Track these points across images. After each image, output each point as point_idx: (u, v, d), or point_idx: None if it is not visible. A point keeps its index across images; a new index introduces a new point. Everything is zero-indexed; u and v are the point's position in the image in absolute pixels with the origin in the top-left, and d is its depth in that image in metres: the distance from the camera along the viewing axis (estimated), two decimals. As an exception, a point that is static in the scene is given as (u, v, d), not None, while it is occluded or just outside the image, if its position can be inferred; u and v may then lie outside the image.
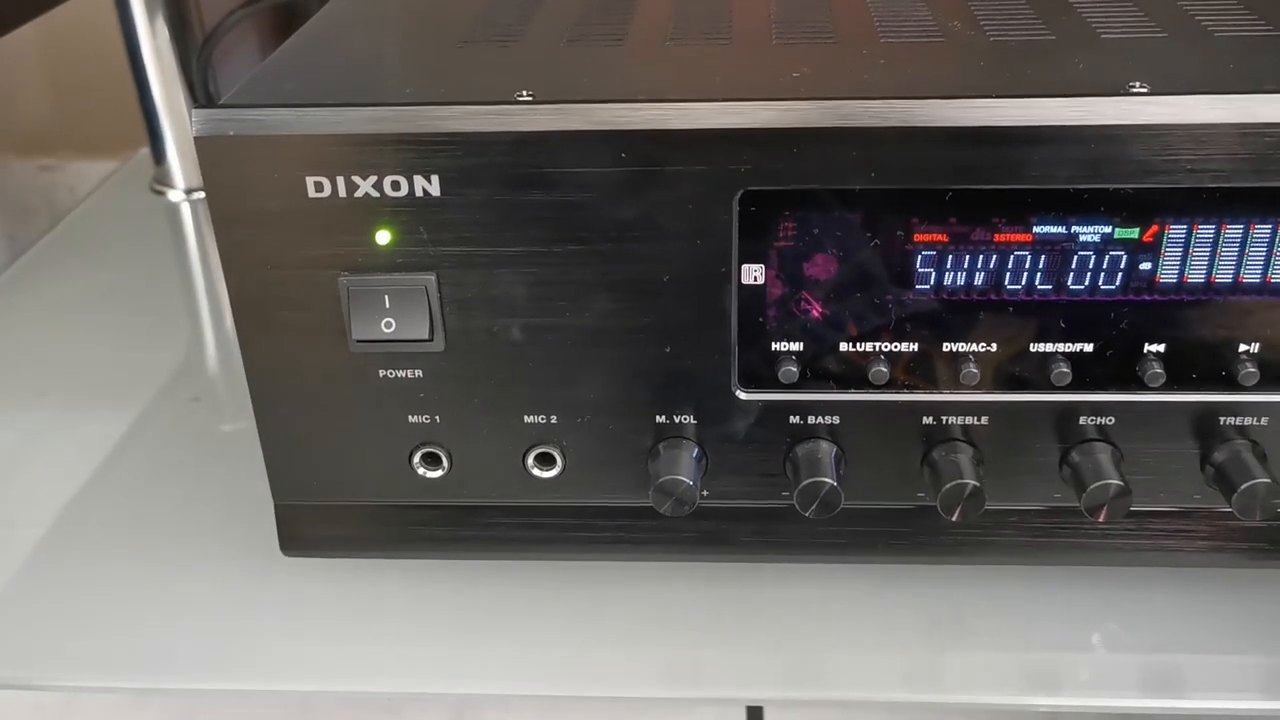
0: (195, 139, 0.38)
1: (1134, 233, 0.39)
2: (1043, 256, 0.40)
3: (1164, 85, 0.37)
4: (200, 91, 0.82)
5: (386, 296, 0.41)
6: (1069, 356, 0.41)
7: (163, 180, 0.87)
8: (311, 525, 0.46)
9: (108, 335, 0.69)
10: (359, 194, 0.39)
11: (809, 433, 0.43)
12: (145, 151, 0.88)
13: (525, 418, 0.43)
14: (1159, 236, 0.39)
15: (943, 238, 0.40)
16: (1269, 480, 0.41)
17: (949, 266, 0.40)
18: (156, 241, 0.81)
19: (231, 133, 0.38)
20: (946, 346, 0.42)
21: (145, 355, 0.67)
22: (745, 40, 0.46)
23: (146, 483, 0.56)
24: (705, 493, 0.44)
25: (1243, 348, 0.41)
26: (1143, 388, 0.41)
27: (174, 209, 0.85)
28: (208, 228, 0.83)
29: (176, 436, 0.59)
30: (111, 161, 0.97)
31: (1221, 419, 0.42)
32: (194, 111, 0.39)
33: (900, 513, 0.45)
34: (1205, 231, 0.39)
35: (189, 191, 0.86)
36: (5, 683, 0.46)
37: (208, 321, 0.72)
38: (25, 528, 0.53)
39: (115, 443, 0.59)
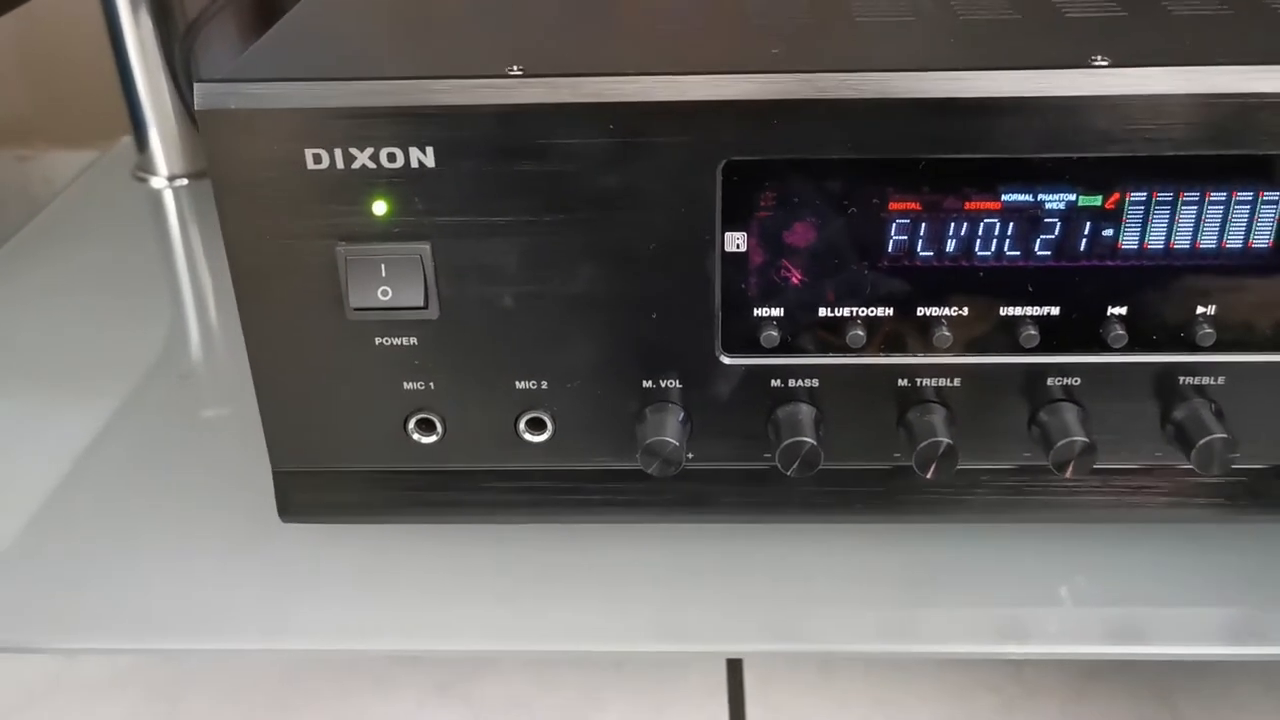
0: (197, 111, 0.40)
1: (1097, 200, 0.41)
2: (1011, 224, 0.42)
3: (1124, 59, 0.39)
4: (183, 79, 0.82)
5: (383, 265, 0.42)
6: (1036, 320, 0.43)
7: (145, 167, 0.87)
8: (308, 491, 0.47)
9: (92, 321, 0.70)
10: (356, 165, 0.40)
11: (790, 396, 0.45)
12: (126, 140, 0.89)
13: (517, 383, 0.45)
14: (1120, 204, 0.41)
15: (916, 206, 0.42)
16: (1225, 436, 0.43)
17: (922, 234, 0.42)
18: (140, 228, 0.82)
19: (233, 105, 0.40)
20: (920, 311, 0.43)
21: (130, 341, 0.67)
22: (728, 19, 0.47)
23: (135, 460, 0.57)
24: (690, 455, 0.45)
25: (1200, 310, 0.43)
26: (1106, 349, 0.43)
27: (156, 196, 0.86)
28: (191, 215, 0.84)
29: (162, 418, 0.60)
30: (86, 151, 0.98)
31: (1181, 379, 0.44)
32: (196, 84, 0.40)
33: (877, 473, 0.47)
34: (1164, 199, 0.41)
35: (172, 178, 0.87)
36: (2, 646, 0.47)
37: (191, 308, 0.73)
38: (17, 501, 0.54)
39: (102, 424, 0.60)
